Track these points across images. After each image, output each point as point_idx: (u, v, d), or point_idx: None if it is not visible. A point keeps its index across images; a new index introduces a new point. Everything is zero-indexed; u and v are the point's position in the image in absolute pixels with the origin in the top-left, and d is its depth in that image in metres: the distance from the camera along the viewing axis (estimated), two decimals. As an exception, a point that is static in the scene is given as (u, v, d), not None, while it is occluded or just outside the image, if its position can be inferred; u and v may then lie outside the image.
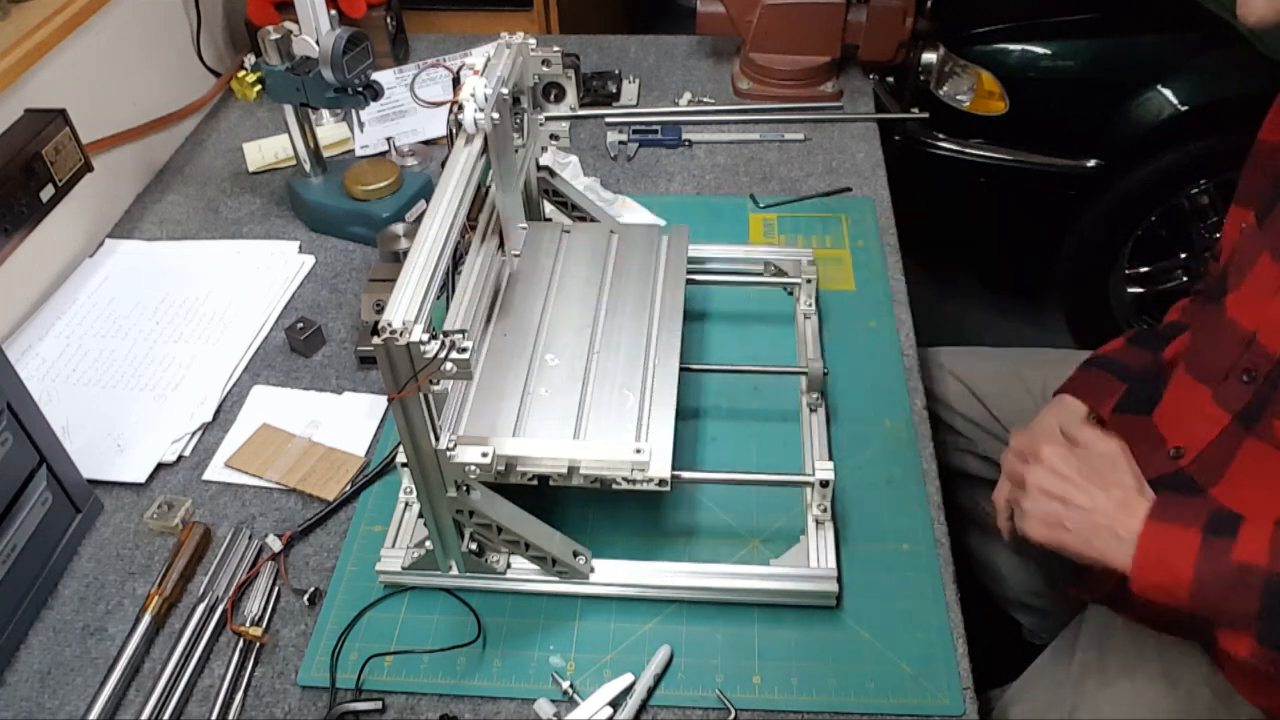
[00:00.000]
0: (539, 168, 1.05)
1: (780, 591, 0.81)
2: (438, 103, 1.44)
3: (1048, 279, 1.97)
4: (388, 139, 1.35)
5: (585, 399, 0.83)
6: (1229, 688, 0.84)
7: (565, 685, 0.76)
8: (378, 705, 0.76)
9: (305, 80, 1.12)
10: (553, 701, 0.75)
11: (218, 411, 1.01)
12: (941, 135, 1.81)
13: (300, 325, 1.07)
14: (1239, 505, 0.80)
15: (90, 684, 0.78)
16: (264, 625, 0.82)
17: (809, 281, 1.06)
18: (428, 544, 0.80)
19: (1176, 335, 0.98)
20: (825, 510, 0.84)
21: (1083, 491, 0.79)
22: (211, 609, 0.82)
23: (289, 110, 1.18)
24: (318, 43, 1.09)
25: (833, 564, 0.82)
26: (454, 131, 0.82)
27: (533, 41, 0.94)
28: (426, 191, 1.24)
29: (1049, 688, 0.94)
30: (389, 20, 1.51)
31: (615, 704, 0.75)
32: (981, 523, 1.26)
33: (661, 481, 0.76)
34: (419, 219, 0.80)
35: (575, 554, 0.81)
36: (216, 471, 0.95)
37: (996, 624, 1.32)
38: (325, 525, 0.90)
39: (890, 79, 1.62)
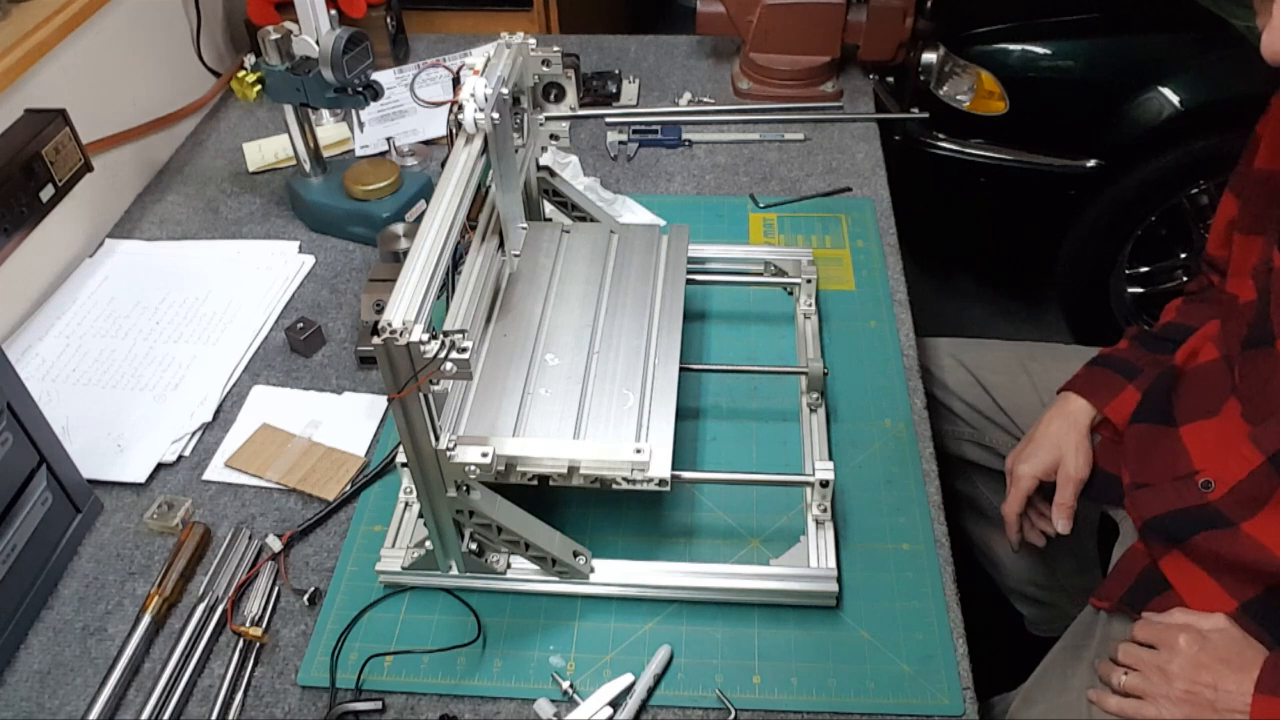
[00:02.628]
0: (539, 168, 1.05)
1: (780, 591, 0.81)
2: (438, 103, 1.44)
3: (1048, 279, 1.97)
4: (388, 139, 1.35)
5: (585, 399, 0.83)
6: None
7: (565, 685, 0.76)
8: (378, 705, 0.76)
9: (305, 80, 1.12)
10: (553, 701, 0.75)
11: (218, 411, 1.01)
12: (941, 135, 1.81)
13: (300, 325, 1.07)
14: (1272, 543, 0.80)
15: (90, 684, 0.79)
16: (264, 625, 0.82)
17: (809, 281, 1.06)
18: (428, 544, 0.80)
19: (1181, 337, 0.98)
20: (825, 510, 0.84)
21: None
22: (211, 609, 0.82)
23: (289, 110, 1.18)
24: (318, 43, 1.09)
25: (833, 564, 0.82)
26: (454, 131, 0.82)
27: (533, 41, 0.94)
28: (426, 191, 1.24)
29: (1060, 691, 0.93)
30: (389, 20, 1.51)
31: (615, 704, 0.75)
32: (982, 511, 1.26)
33: (661, 481, 0.76)
34: (419, 219, 0.80)
35: (575, 554, 0.81)
36: (216, 471, 0.95)
37: (999, 617, 1.32)
38: (325, 525, 0.90)
39: (890, 79, 1.62)
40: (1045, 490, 1.01)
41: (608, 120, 1.42)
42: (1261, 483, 0.81)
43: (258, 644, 0.81)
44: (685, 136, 1.39)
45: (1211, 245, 1.00)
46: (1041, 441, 0.99)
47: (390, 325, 0.64)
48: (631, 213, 1.24)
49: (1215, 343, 0.94)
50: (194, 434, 0.99)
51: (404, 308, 0.66)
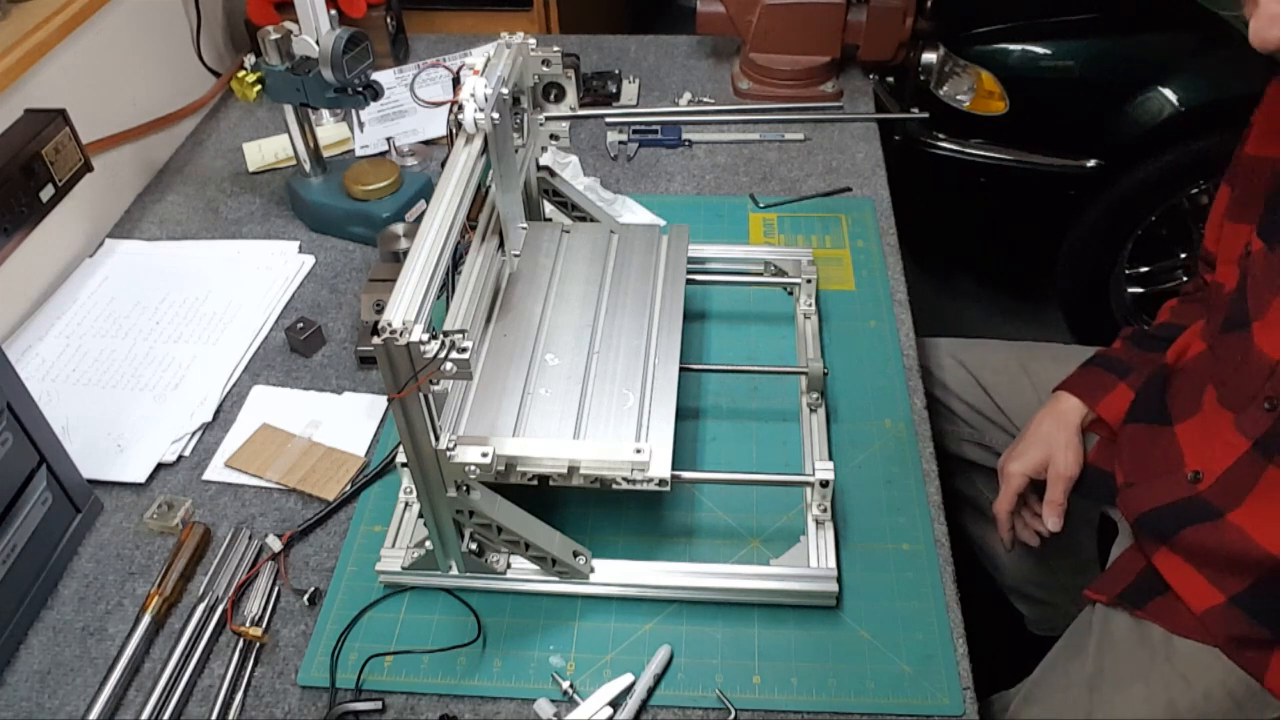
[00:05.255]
0: (539, 168, 1.05)
1: (780, 591, 0.81)
2: (438, 103, 1.44)
3: (1048, 279, 1.97)
4: (388, 139, 1.35)
5: (585, 399, 0.83)
6: (1248, 690, 0.84)
7: (565, 685, 0.76)
8: (378, 705, 0.76)
9: (305, 80, 1.12)
10: (553, 701, 0.75)
11: (218, 411, 1.01)
12: (941, 135, 1.81)
13: (300, 325, 1.07)
14: (1257, 533, 0.80)
15: (90, 684, 0.78)
16: (264, 625, 0.82)
17: (809, 281, 1.06)
18: (428, 544, 0.80)
19: (1173, 336, 0.98)
20: (825, 510, 0.84)
21: None
22: (211, 609, 0.82)
23: (289, 110, 1.18)
24: (318, 43, 1.09)
25: (833, 564, 0.82)
26: (454, 131, 0.82)
27: (533, 41, 0.94)
28: (426, 191, 1.24)
29: (1061, 689, 0.94)
30: (389, 20, 1.51)
31: (615, 704, 0.75)
32: (982, 510, 1.26)
33: (661, 481, 0.76)
34: (419, 219, 0.80)
35: (575, 554, 0.81)
36: (216, 471, 0.95)
37: (999, 617, 1.32)
38: (325, 525, 0.90)
39: (890, 79, 1.62)
40: (1040, 489, 1.01)
41: (608, 120, 1.42)
42: (1248, 469, 0.82)
43: (258, 644, 0.80)
44: (685, 136, 1.39)
45: (1208, 240, 1.01)
46: (1032, 440, 1.00)
47: (390, 325, 0.64)
48: (631, 213, 1.24)
49: (1202, 336, 0.95)
50: (194, 434, 0.99)
51: (404, 308, 0.66)
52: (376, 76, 1.14)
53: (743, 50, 1.48)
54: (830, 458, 0.90)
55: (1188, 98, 1.65)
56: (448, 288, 0.86)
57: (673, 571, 0.82)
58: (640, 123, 1.41)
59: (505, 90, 0.86)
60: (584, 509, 0.90)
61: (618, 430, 0.80)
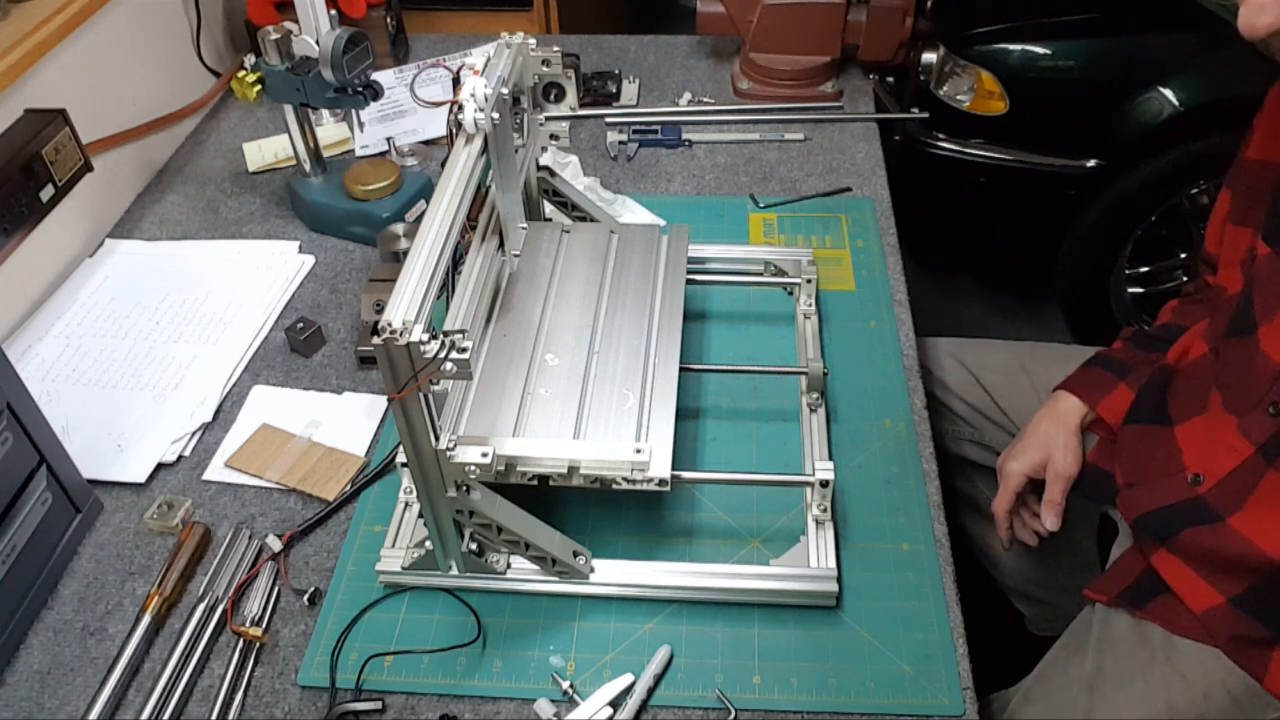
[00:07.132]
0: (539, 168, 1.05)
1: (780, 591, 0.81)
2: (438, 103, 1.44)
3: (1048, 279, 1.97)
4: (388, 139, 1.35)
5: (585, 399, 0.83)
6: (1248, 690, 0.84)
7: (565, 685, 0.76)
8: (378, 705, 0.76)
9: (305, 80, 1.12)
10: (553, 701, 0.75)
11: (218, 411, 1.01)
12: (941, 135, 1.81)
13: (300, 325, 1.07)
14: (1257, 536, 0.80)
15: (90, 684, 0.79)
16: (264, 625, 0.82)
17: (809, 281, 1.06)
18: (428, 544, 0.80)
19: (1174, 337, 0.98)
20: (825, 510, 0.84)
21: None
22: (211, 609, 0.82)
23: (289, 110, 1.18)
24: (318, 43, 1.09)
25: (833, 564, 0.82)
26: (454, 131, 0.82)
27: (533, 41, 0.94)
28: (426, 191, 1.24)
29: (1061, 688, 0.94)
30: (389, 20, 1.51)
31: (615, 704, 0.75)
32: (982, 510, 1.26)
33: (661, 481, 0.76)
34: (419, 219, 0.80)
35: (575, 554, 0.81)
36: (216, 471, 0.95)
37: (999, 617, 1.32)
38: (325, 525, 0.90)
39: (890, 79, 1.62)
40: (1039, 489, 1.01)
41: (608, 120, 1.42)
42: (1251, 474, 0.82)
43: (258, 644, 0.81)
44: (685, 136, 1.39)
45: (1209, 242, 1.01)
46: (1031, 440, 1.00)
47: (390, 325, 0.64)
48: (631, 213, 1.24)
49: (1204, 338, 0.95)
50: (194, 434, 0.99)
51: (404, 308, 0.66)
52: (376, 76, 1.14)
53: (743, 50, 1.48)
54: (830, 458, 0.90)
55: (1188, 98, 1.65)
56: (448, 288, 0.86)
57: (673, 571, 0.82)
58: (640, 123, 1.41)
59: (505, 90, 0.86)
60: (584, 509, 0.90)
61: (618, 430, 0.80)
